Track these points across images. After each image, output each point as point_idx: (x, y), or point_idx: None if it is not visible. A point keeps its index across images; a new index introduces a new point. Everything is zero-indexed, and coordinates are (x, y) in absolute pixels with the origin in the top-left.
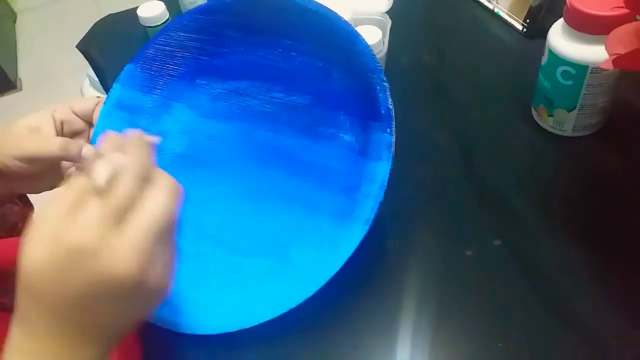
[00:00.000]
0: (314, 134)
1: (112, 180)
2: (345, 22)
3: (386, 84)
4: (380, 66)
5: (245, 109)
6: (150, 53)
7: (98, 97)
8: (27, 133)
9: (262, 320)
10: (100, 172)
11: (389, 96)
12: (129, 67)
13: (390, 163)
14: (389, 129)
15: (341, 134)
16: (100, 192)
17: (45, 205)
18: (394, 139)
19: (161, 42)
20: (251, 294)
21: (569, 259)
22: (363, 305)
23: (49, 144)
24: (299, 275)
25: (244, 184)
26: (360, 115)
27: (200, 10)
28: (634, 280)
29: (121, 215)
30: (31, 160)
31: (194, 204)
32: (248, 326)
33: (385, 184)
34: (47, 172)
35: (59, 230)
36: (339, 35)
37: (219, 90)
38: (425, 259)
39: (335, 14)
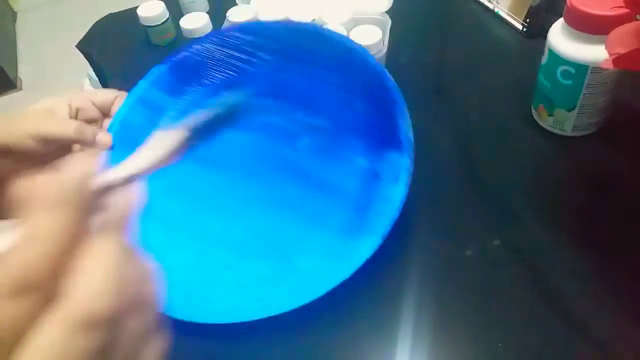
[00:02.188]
0: (330, 155)
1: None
2: (374, 59)
3: (407, 112)
4: (403, 100)
5: (266, 124)
6: (183, 58)
7: (119, 90)
8: (43, 113)
9: (254, 318)
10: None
11: (410, 128)
12: (159, 67)
13: (407, 187)
14: (407, 154)
15: (358, 158)
16: None
17: None
18: (411, 166)
19: (194, 50)
20: (250, 294)
21: (569, 258)
22: (363, 306)
23: (65, 126)
24: (299, 281)
25: (254, 190)
26: (380, 143)
27: (239, 28)
28: (634, 280)
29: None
30: (45, 140)
31: (203, 204)
32: (242, 320)
33: (401, 205)
34: (54, 157)
35: None
36: (366, 71)
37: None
38: (425, 259)
39: (367, 51)
